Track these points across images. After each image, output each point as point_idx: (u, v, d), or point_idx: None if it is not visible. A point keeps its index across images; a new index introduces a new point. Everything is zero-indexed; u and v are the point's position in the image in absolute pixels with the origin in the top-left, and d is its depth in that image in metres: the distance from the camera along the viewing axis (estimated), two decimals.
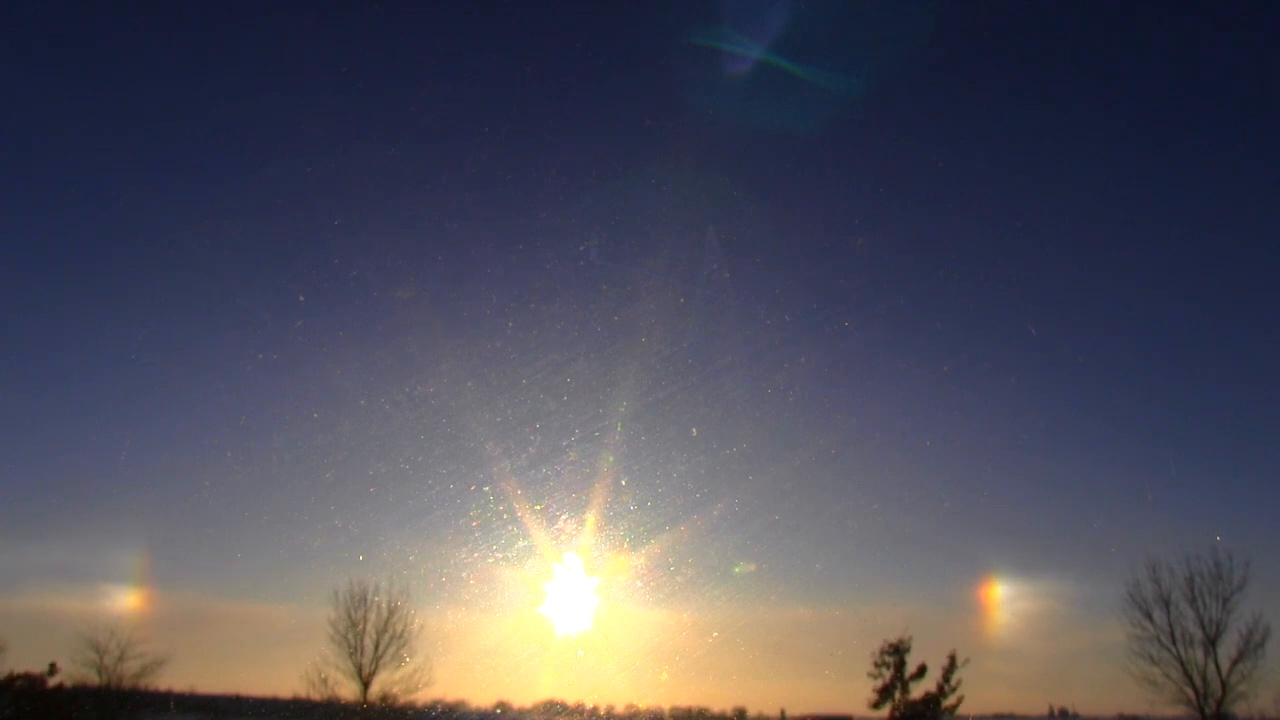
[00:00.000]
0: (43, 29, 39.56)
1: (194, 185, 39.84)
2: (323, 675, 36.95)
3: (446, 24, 36.02)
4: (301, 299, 31.08)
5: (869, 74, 31.32)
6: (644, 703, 31.53)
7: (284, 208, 35.06)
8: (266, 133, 37.58)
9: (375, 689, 36.97)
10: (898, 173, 37.17)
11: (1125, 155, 42.93)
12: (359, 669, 37.12)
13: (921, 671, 37.67)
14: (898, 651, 37.71)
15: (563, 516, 25.61)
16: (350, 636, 37.30)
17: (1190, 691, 36.04)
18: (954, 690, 37.44)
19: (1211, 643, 36.13)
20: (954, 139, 38.20)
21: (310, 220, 35.20)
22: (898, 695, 37.47)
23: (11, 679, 36.71)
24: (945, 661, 37.67)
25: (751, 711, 38.25)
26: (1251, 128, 42.50)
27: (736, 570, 29.34)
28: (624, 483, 26.17)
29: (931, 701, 37.31)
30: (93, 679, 37.66)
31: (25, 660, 37.10)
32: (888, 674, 37.62)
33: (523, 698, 32.50)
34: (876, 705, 37.43)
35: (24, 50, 39.82)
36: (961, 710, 37.43)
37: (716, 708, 36.58)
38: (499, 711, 33.01)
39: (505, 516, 25.40)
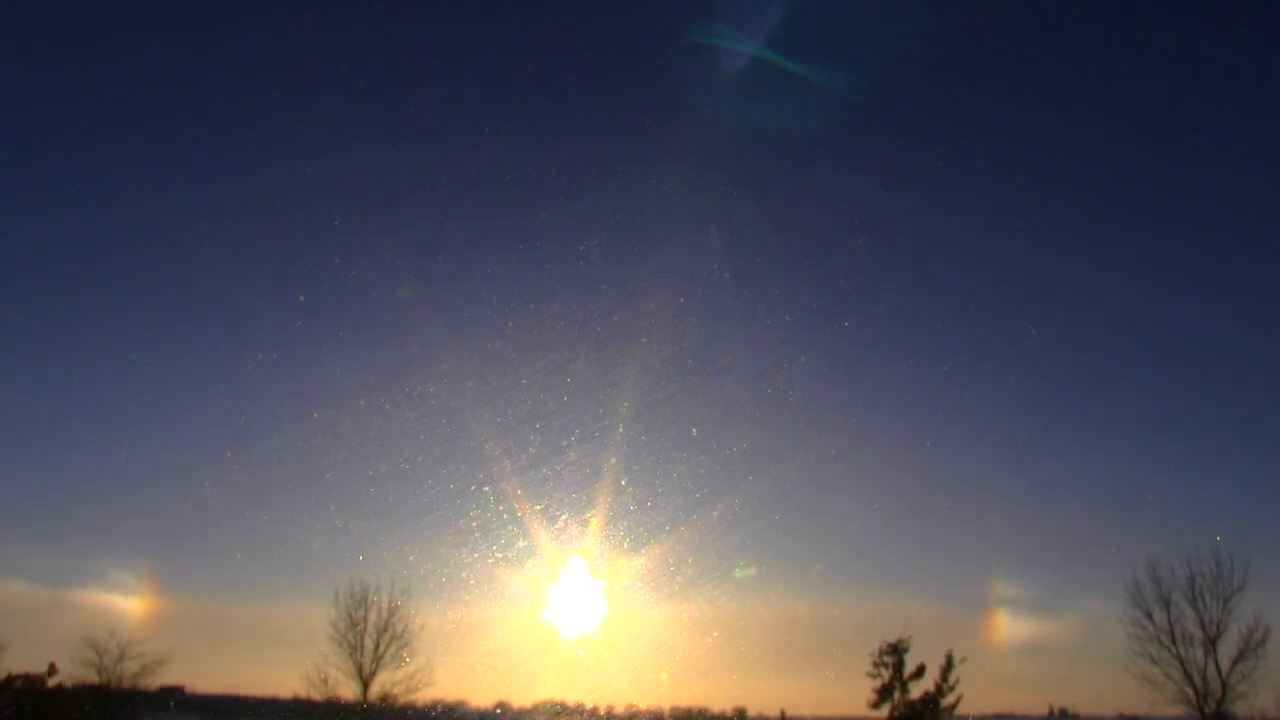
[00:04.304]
0: (43, 29, 39.58)
1: (194, 185, 39.84)
2: (323, 675, 37.03)
3: (446, 24, 36.05)
4: (301, 299, 31.14)
5: (868, 72, 31.34)
6: (644, 703, 31.51)
7: (284, 208, 35.07)
8: (266, 133, 37.54)
9: (375, 689, 37.03)
10: (898, 172, 37.20)
11: (1126, 155, 42.97)
12: (359, 669, 37.17)
13: (920, 671, 37.72)
14: (896, 651, 37.76)
15: (563, 516, 25.60)
16: (350, 636, 37.36)
17: (1190, 691, 36.12)
18: (952, 689, 37.50)
19: (1212, 642, 36.21)
20: (954, 138, 38.21)
21: (310, 220, 35.15)
22: (897, 695, 37.51)
23: (11, 679, 36.75)
24: (943, 661, 37.79)
25: (751, 711, 38.31)
26: (1252, 127, 42.55)
27: (737, 573, 29.27)
28: (624, 483, 26.15)
29: (930, 701, 37.35)
30: (92, 679, 37.74)
31: (25, 660, 37.22)
32: (887, 674, 37.68)
33: (523, 698, 32.55)
34: (876, 705, 37.49)
35: (24, 50, 39.83)
36: (961, 710, 37.50)
37: (716, 708, 36.62)
38: (499, 711, 33.01)
39: (505, 516, 25.40)
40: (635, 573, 27.30)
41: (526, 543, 25.83)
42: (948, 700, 37.42)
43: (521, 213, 31.04)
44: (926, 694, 37.52)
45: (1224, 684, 35.72)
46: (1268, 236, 43.37)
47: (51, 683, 37.54)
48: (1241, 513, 45.99)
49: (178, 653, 38.36)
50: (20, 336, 43.57)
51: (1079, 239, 42.36)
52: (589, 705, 31.30)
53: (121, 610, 39.03)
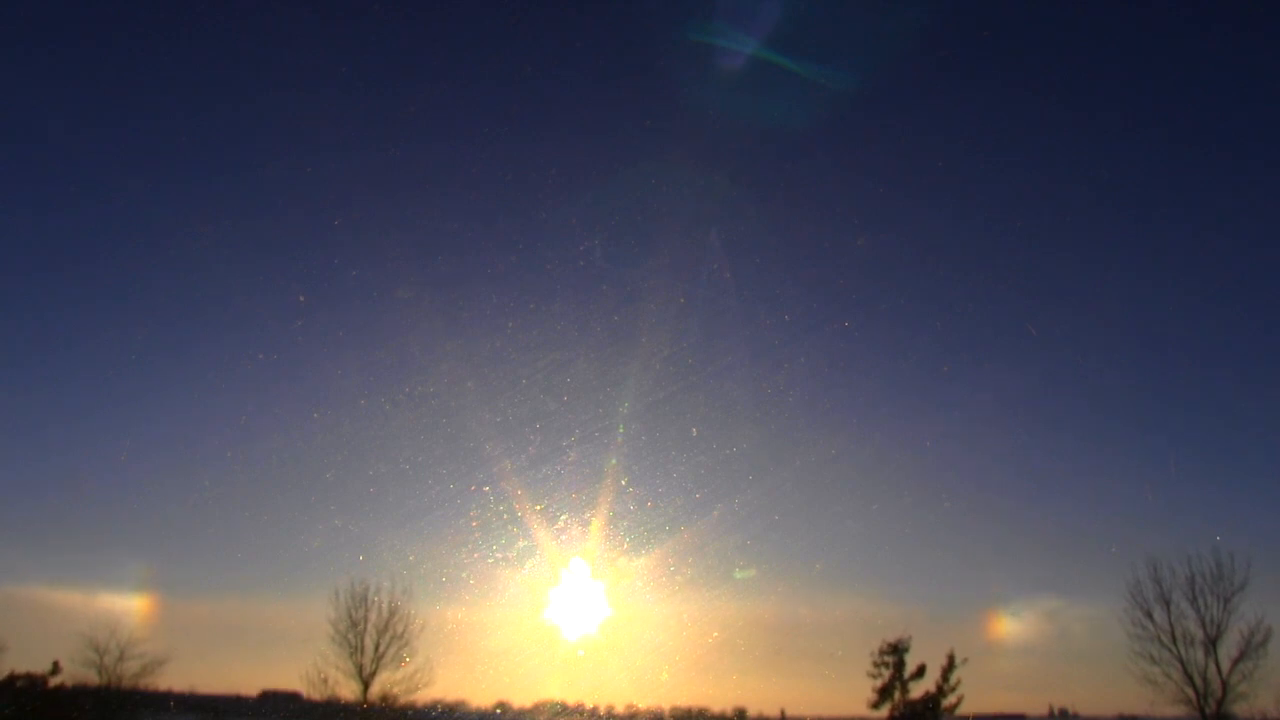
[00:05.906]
0: (43, 29, 39.56)
1: (194, 185, 39.76)
2: (323, 675, 37.06)
3: (446, 24, 36.01)
4: (301, 299, 31.08)
5: (868, 71, 31.28)
6: (644, 702, 31.52)
7: (284, 208, 35.12)
8: (266, 133, 37.56)
9: (375, 689, 37.03)
10: (898, 172, 37.13)
11: (1127, 154, 42.78)
12: (359, 669, 37.17)
13: (921, 671, 37.76)
14: (897, 651, 37.79)
15: (563, 516, 25.59)
16: (350, 636, 37.35)
17: (1191, 691, 36.05)
18: (953, 690, 37.52)
19: (1212, 643, 36.15)
20: (954, 138, 38.12)
21: (310, 220, 35.25)
22: (897, 695, 37.54)
23: (12, 678, 36.82)
24: (944, 661, 37.80)
25: (751, 711, 38.31)
26: (1256, 124, 42.46)
27: (737, 575, 29.27)
28: (624, 483, 26.16)
29: (931, 701, 37.36)
30: (93, 679, 37.79)
31: (26, 660, 37.26)
32: (887, 674, 37.72)
33: (523, 698, 32.55)
34: (876, 705, 37.52)
35: (24, 50, 39.82)
36: (962, 710, 37.52)
37: (716, 708, 36.60)
38: (499, 711, 33.02)
39: (505, 517, 25.40)
40: (636, 573, 27.33)
41: (527, 543, 25.85)
42: (949, 701, 37.46)
43: (521, 213, 31.04)
44: (927, 694, 37.56)
45: (1224, 684, 35.71)
46: (1268, 236, 43.29)
47: (53, 682, 37.65)
48: (1241, 513, 45.87)
49: (178, 652, 38.51)
50: (20, 336, 43.59)
51: (1080, 239, 42.21)
52: (589, 705, 31.32)
53: (122, 610, 39.10)
